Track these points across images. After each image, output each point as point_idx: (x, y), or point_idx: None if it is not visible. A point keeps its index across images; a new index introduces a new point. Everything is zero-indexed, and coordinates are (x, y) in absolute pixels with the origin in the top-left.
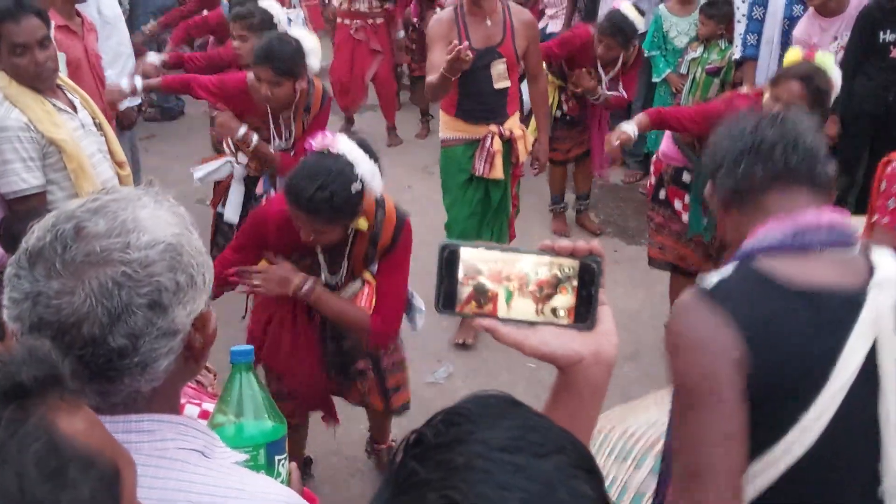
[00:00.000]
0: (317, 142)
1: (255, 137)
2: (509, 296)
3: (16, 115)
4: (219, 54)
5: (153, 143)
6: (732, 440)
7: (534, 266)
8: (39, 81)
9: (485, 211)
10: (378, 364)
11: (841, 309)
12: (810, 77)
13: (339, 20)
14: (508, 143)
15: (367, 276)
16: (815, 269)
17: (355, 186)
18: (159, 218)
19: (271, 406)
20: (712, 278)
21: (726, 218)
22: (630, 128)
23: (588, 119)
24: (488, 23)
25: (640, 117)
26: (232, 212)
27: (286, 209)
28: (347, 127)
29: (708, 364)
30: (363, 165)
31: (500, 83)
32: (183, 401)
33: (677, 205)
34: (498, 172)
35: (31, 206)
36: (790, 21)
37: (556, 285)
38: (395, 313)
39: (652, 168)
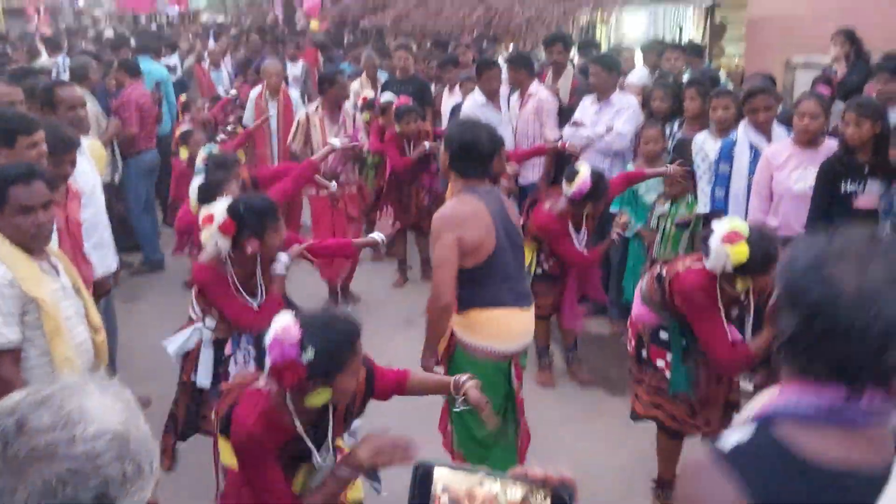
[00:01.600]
0: (290, 330)
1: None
2: None
3: (2, 271)
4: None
5: (134, 304)
6: None
7: (506, 489)
8: (36, 241)
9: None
10: None
11: (866, 490)
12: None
13: (313, 192)
14: None
15: (340, 442)
16: (842, 445)
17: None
18: (105, 406)
19: None
20: (730, 438)
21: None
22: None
23: (567, 275)
24: None
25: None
26: (204, 376)
27: (261, 412)
28: (334, 300)
29: None
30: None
31: None
32: None
33: (659, 363)
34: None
35: (2, 362)
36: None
37: None
38: None
39: (630, 330)
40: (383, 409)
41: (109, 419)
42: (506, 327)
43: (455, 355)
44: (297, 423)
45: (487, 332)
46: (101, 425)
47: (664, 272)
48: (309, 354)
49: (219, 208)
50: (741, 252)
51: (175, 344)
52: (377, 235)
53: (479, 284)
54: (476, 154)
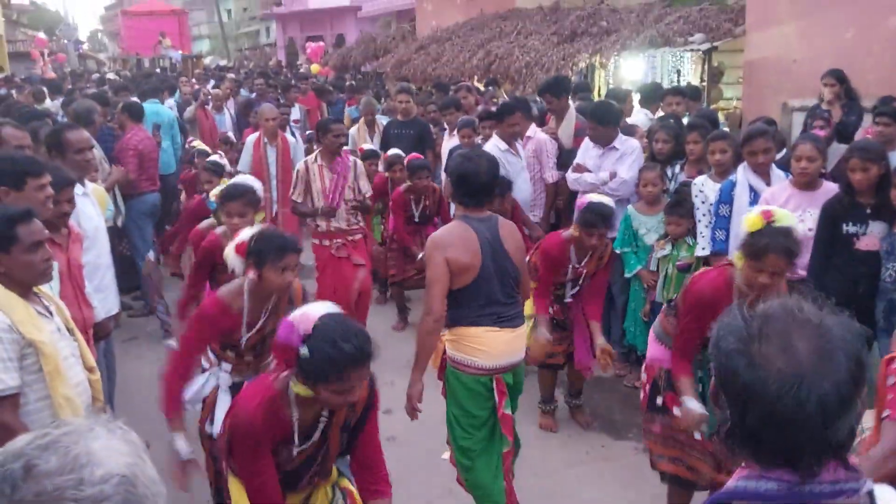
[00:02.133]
0: (302, 325)
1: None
2: None
3: (0, 317)
4: (204, 250)
5: (133, 345)
6: None
7: None
8: (43, 277)
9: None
10: None
11: None
12: (790, 250)
13: (316, 241)
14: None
15: (346, 483)
16: None
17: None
18: (112, 448)
19: None
20: None
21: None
22: (694, 405)
23: (573, 318)
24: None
25: (685, 384)
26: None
27: (264, 398)
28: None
29: None
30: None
31: None
32: None
33: (676, 411)
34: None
35: (2, 409)
36: None
37: None
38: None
39: (644, 376)
40: (392, 421)
41: (116, 462)
42: (486, 345)
43: (447, 369)
44: (294, 416)
45: (470, 348)
46: (108, 468)
47: (675, 301)
48: (304, 352)
49: (246, 232)
50: (756, 221)
51: (191, 393)
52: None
53: (464, 305)
54: (473, 184)
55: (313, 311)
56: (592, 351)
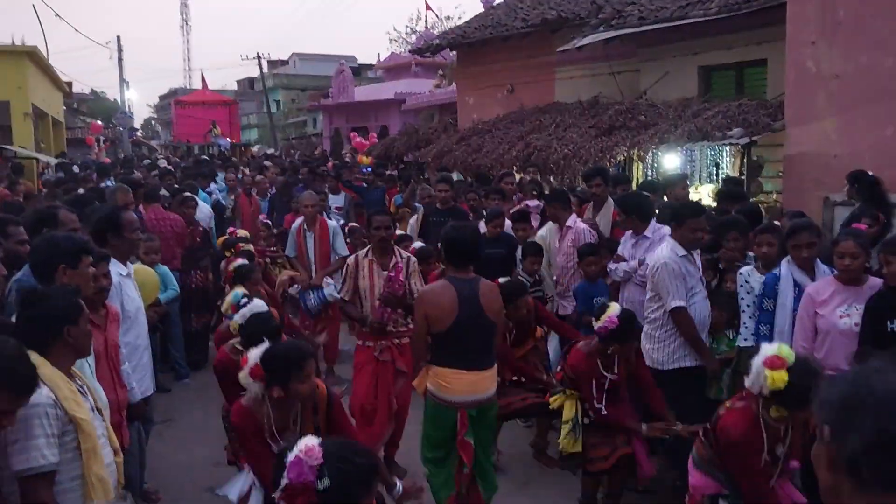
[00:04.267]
0: (309, 458)
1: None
2: None
3: (46, 392)
4: (218, 364)
5: (168, 427)
6: None
7: None
8: (86, 352)
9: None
10: None
11: None
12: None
13: (360, 342)
14: None
15: None
16: None
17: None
18: None
19: None
20: None
21: (838, 485)
22: None
23: (620, 417)
24: None
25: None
26: None
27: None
28: (324, 376)
29: None
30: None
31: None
32: None
33: None
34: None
35: (40, 486)
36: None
37: None
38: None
39: (686, 499)
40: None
41: None
42: (451, 384)
43: (427, 396)
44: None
45: (438, 383)
46: None
47: (710, 426)
48: (325, 483)
49: (254, 353)
50: (780, 378)
51: (232, 489)
52: None
53: (440, 347)
54: (458, 249)
55: (311, 442)
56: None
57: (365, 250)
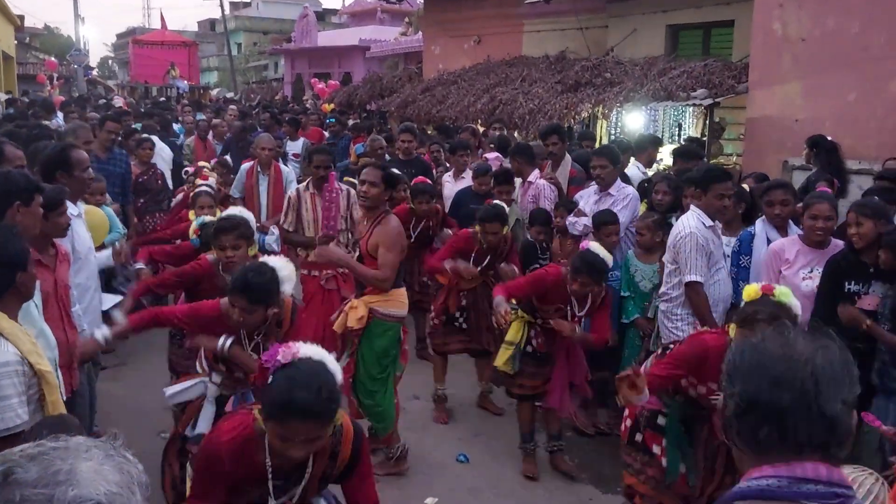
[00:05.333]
0: (282, 354)
1: (229, 342)
2: None
3: (12, 350)
4: (192, 269)
5: (120, 371)
6: None
7: None
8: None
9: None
10: None
11: None
12: (779, 318)
13: (305, 272)
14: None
15: None
16: None
17: (338, 379)
18: (99, 473)
19: None
20: None
21: (735, 449)
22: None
23: (556, 355)
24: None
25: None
26: (204, 430)
27: (238, 436)
28: None
29: None
30: (331, 362)
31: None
32: None
33: (655, 449)
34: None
35: (11, 445)
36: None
37: None
38: None
39: (626, 411)
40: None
41: (97, 487)
42: (403, 299)
43: (372, 325)
44: (268, 463)
45: (397, 302)
46: (84, 491)
47: (669, 349)
48: (270, 379)
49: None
50: (753, 292)
51: (175, 390)
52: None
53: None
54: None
55: (304, 348)
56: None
57: (305, 183)
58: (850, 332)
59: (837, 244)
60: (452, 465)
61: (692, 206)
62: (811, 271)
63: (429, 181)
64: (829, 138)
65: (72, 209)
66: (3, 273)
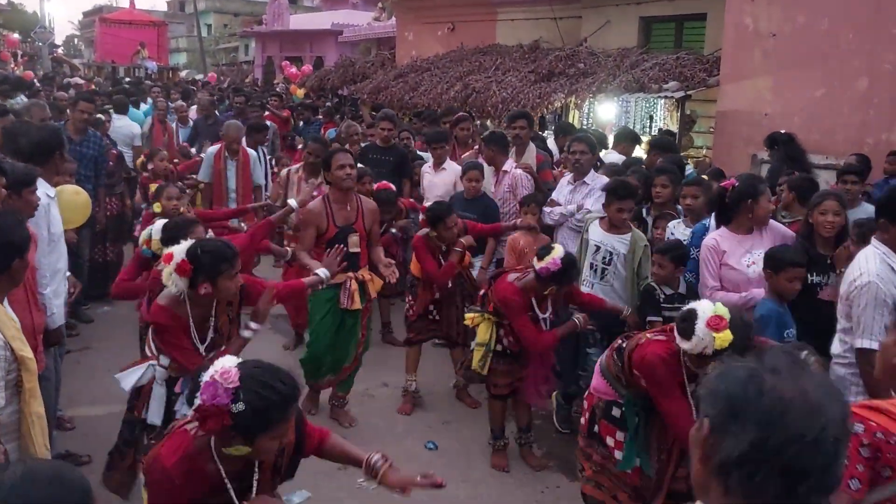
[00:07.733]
0: (223, 380)
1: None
2: None
3: None
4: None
5: (84, 355)
6: None
7: None
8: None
9: (338, 336)
10: None
11: None
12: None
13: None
14: (362, 285)
15: None
16: None
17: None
18: None
19: None
20: None
21: (710, 483)
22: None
23: (527, 353)
24: (348, 208)
25: None
26: (155, 414)
27: (183, 456)
28: (298, 342)
29: None
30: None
31: (354, 248)
32: None
33: (609, 441)
34: (356, 304)
35: None
36: None
37: None
38: None
39: (584, 403)
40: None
41: None
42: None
43: (315, 292)
44: (222, 471)
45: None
46: None
47: (624, 345)
48: (239, 406)
49: (178, 249)
50: (726, 338)
51: (128, 378)
52: (322, 272)
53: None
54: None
55: (228, 364)
56: (544, 390)
57: (297, 166)
58: (814, 322)
59: (776, 227)
60: (422, 452)
61: (874, 241)
62: (751, 256)
63: (393, 186)
64: (783, 131)
65: (49, 190)
66: (6, 258)
